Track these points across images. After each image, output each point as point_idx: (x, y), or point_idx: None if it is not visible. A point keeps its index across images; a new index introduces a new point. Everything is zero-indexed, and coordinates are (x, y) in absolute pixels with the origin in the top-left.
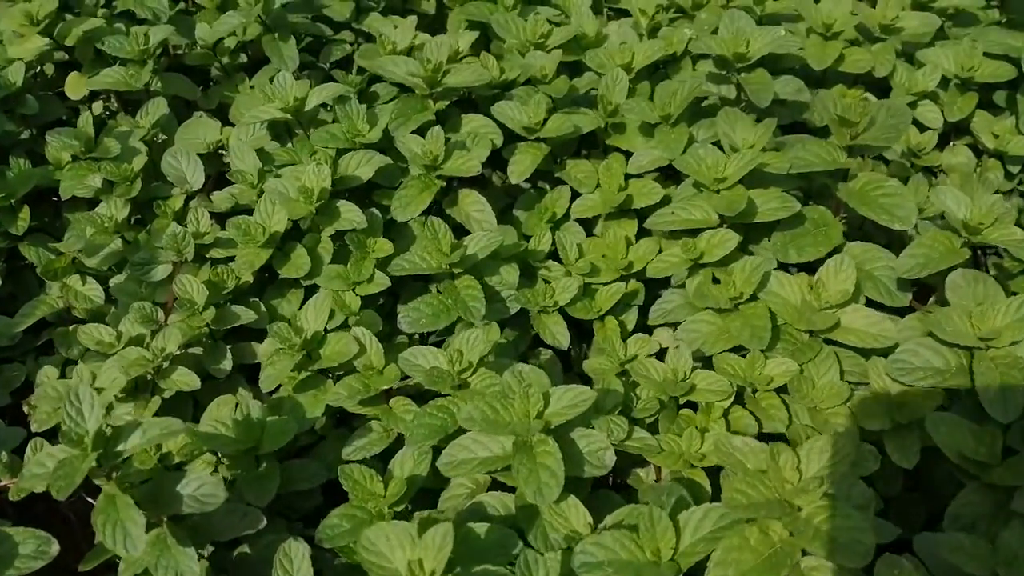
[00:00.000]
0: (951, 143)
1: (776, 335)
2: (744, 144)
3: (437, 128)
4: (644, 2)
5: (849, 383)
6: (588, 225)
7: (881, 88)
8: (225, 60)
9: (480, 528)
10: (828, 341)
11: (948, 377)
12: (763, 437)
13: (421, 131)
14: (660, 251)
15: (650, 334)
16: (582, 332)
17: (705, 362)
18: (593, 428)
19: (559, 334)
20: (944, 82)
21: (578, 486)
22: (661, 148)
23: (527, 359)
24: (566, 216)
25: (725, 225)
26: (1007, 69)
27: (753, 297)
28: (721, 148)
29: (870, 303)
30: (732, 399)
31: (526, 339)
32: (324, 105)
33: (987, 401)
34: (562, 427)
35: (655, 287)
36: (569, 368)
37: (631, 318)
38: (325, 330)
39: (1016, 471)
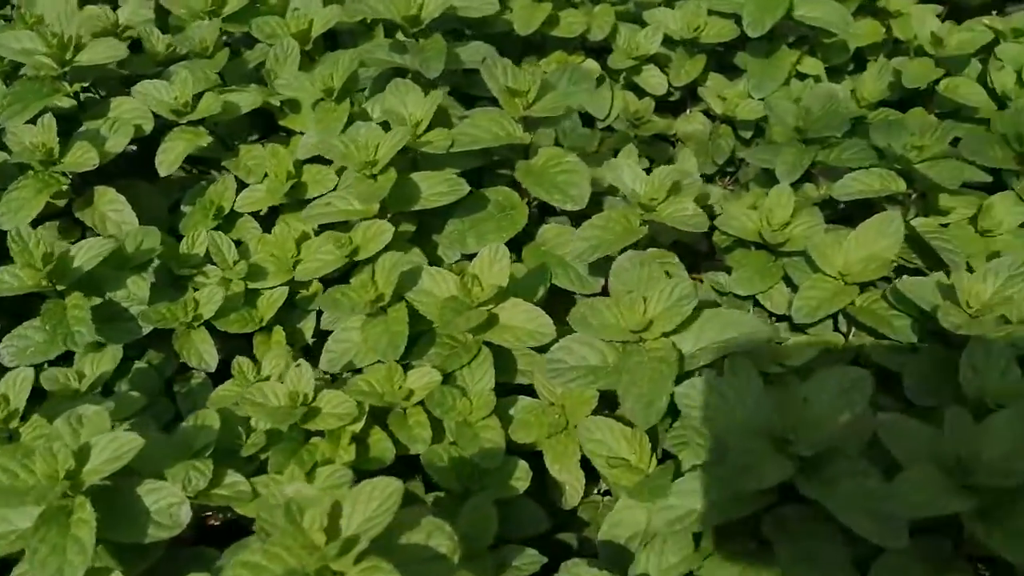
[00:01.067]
0: (687, 110)
1: (432, 339)
2: (411, 119)
3: (49, 116)
4: None
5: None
6: (271, 220)
7: (609, 52)
8: None
9: None
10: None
11: (602, 376)
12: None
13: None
14: None
15: None
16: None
17: None
18: (167, 479)
19: (206, 353)
20: (675, 44)
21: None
22: (319, 128)
23: (173, 384)
24: (238, 212)
25: (390, 214)
26: (731, 28)
27: (399, 298)
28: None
29: (559, 291)
30: (362, 421)
31: (173, 361)
32: None
33: (626, 404)
34: (125, 482)
35: None
36: None
37: (310, 325)
38: None
39: (656, 485)
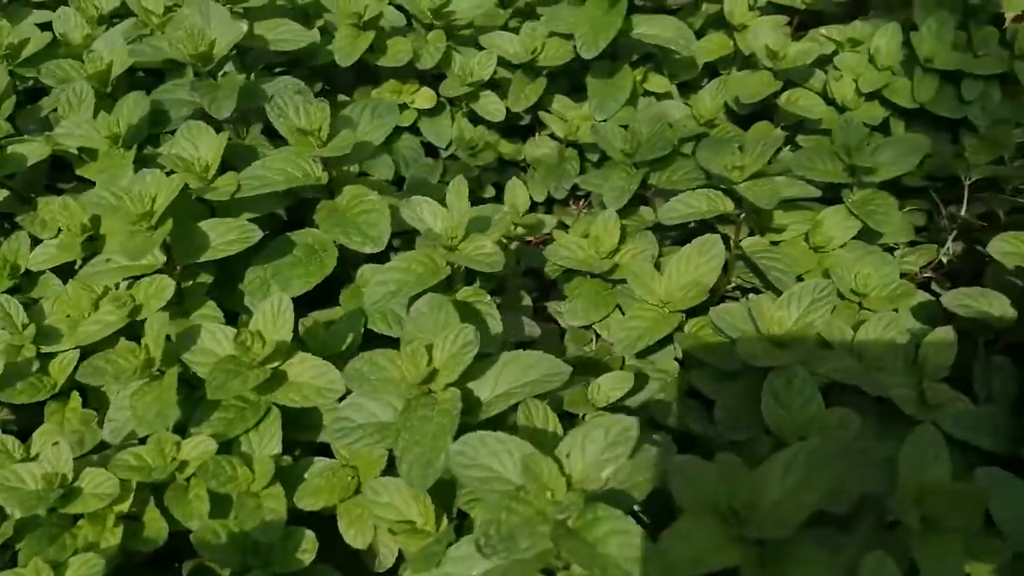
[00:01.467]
0: (536, 134)
1: (217, 401)
2: (199, 164)
3: None
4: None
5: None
6: None
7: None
8: None
9: None
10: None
11: (390, 435)
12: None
13: None
14: None
15: None
16: None
17: None
18: None
19: None
20: (515, 68)
21: None
22: (103, 177)
23: None
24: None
25: (179, 267)
26: (568, 50)
27: (175, 360)
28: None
29: (375, 336)
30: (129, 500)
31: None
32: None
33: (402, 466)
34: None
35: None
36: None
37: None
38: None
39: (431, 552)
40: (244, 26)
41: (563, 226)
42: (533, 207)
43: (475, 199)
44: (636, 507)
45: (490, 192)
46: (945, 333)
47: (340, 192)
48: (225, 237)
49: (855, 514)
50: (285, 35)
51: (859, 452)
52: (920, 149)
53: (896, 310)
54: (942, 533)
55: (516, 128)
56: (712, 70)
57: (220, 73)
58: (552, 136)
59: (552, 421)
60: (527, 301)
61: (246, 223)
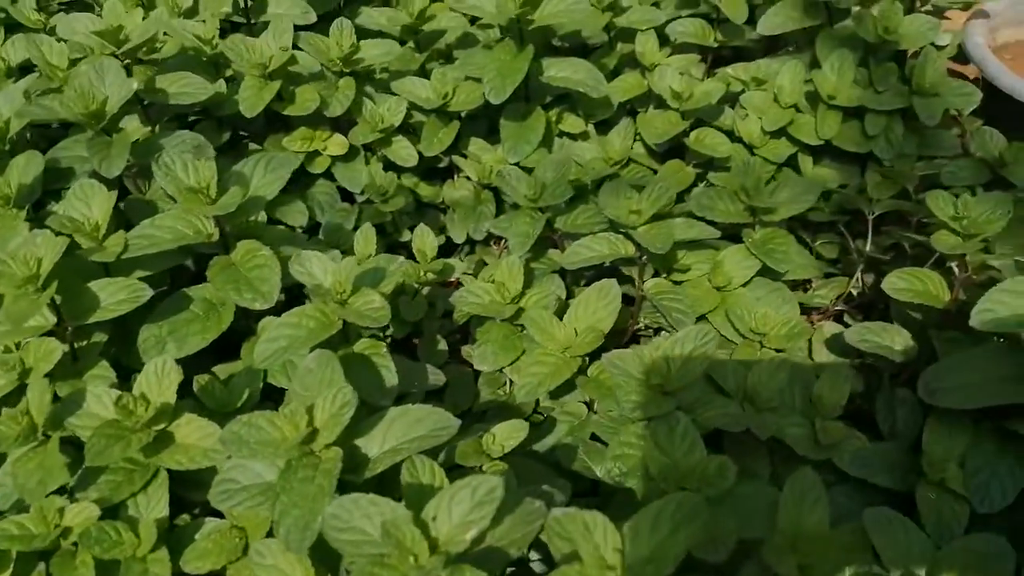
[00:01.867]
0: (454, 176)
1: (102, 466)
2: (89, 224)
3: None
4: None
5: None
6: None
7: None
8: None
9: None
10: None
11: (272, 496)
12: None
13: None
14: None
15: None
16: None
17: None
18: None
19: None
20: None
21: None
22: None
23: None
24: None
25: (70, 330)
26: (479, 94)
27: (60, 424)
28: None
29: (276, 389)
30: (8, 570)
31: None
32: None
33: (280, 529)
34: None
35: None
36: None
37: None
38: None
39: None
40: (135, 84)
41: (483, 264)
42: (455, 248)
43: (391, 243)
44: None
45: (407, 236)
46: (839, 370)
47: (235, 247)
48: (115, 297)
49: (735, 562)
50: (186, 88)
51: (741, 498)
52: (815, 189)
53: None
54: None
55: (435, 170)
56: (630, 108)
57: (116, 130)
58: (469, 178)
59: (439, 477)
60: (443, 345)
61: (136, 282)
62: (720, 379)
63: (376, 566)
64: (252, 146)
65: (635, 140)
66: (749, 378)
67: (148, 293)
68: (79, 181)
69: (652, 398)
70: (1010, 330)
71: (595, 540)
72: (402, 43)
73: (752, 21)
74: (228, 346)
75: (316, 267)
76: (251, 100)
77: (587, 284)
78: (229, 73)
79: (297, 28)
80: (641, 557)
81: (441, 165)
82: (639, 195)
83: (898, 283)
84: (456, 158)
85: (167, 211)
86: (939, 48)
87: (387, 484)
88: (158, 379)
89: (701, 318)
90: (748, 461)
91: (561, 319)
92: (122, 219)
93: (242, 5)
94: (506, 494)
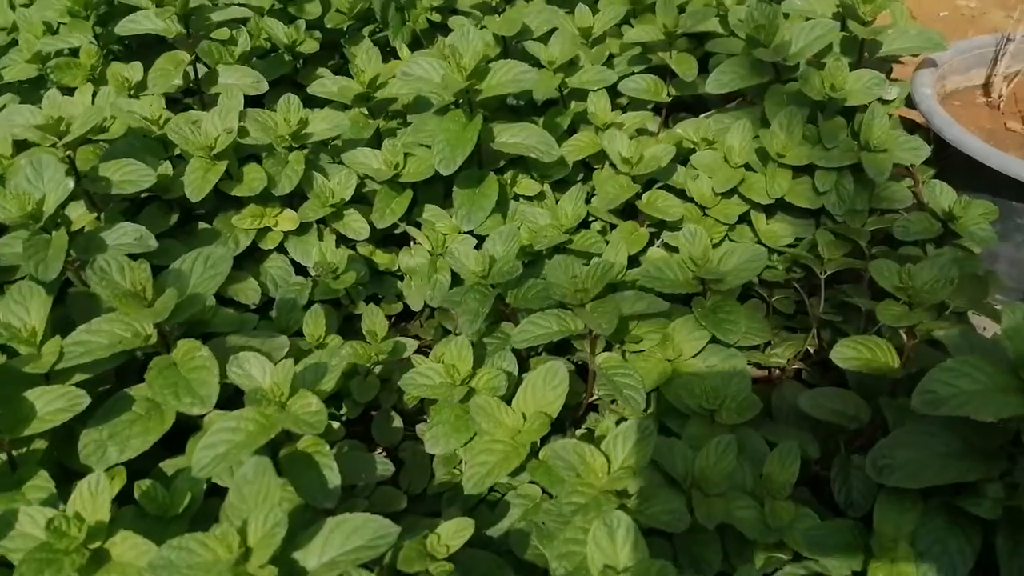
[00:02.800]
0: (410, 243)
1: None
2: (26, 330)
3: None
4: None
5: None
6: None
7: None
8: None
9: None
10: None
11: None
12: None
13: None
14: None
15: None
16: None
17: None
18: None
19: None
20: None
21: None
22: None
23: None
24: None
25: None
26: (429, 165)
27: None
28: None
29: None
30: None
31: None
32: None
33: None
34: None
35: None
36: None
37: None
38: None
39: None
40: (71, 183)
41: (443, 330)
42: (413, 315)
43: (347, 314)
44: None
45: (363, 307)
46: (789, 448)
47: (175, 345)
48: (52, 406)
49: None
50: (129, 176)
51: None
52: (761, 257)
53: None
54: None
55: (392, 236)
56: (587, 163)
57: (54, 227)
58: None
59: None
60: (398, 423)
61: (73, 390)
62: (668, 466)
63: None
64: (203, 225)
65: (592, 196)
66: (697, 462)
67: (85, 401)
68: (17, 284)
69: (593, 498)
70: (952, 412)
71: None
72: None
73: (705, 70)
74: (174, 436)
75: (255, 369)
76: (197, 184)
77: (544, 352)
78: (178, 151)
79: (249, 98)
80: None
81: (398, 231)
82: (584, 272)
83: (847, 352)
84: (410, 228)
85: (103, 317)
86: (887, 102)
87: None
88: (92, 496)
89: (651, 392)
90: (698, 549)
91: (512, 399)
92: (61, 316)
93: (192, 76)
94: None
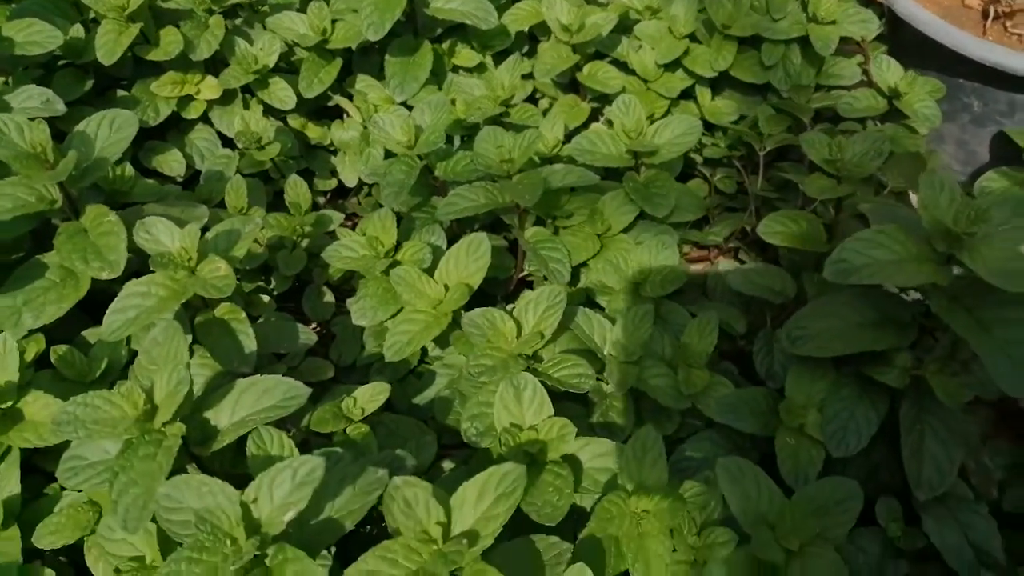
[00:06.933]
0: (344, 115)
1: None
2: None
3: None
4: None
5: None
6: None
7: None
8: None
9: None
10: None
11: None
12: None
13: None
14: None
15: None
16: None
17: None
18: None
19: None
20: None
21: None
22: None
23: None
24: None
25: None
26: (357, 31)
27: None
28: None
29: None
30: None
31: None
32: None
33: (119, 508)
34: None
35: None
36: None
37: None
38: None
39: None
40: None
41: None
42: (347, 192)
43: (277, 189)
44: None
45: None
46: (707, 319)
47: (84, 210)
48: None
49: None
50: (34, 37)
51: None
52: (696, 130)
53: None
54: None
55: (325, 109)
56: (532, 36)
57: None
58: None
59: (287, 447)
60: (329, 297)
61: None
62: (586, 335)
63: (194, 550)
64: (121, 93)
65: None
66: (613, 332)
67: None
68: None
69: (502, 360)
70: (863, 281)
71: (417, 515)
72: None
73: None
74: (99, 306)
75: (163, 234)
76: (109, 46)
77: (477, 230)
78: (93, 15)
79: None
80: (464, 529)
81: (331, 104)
82: (512, 142)
83: (774, 227)
84: (340, 99)
85: (6, 180)
86: None
87: (235, 455)
88: (1, 357)
89: (581, 265)
90: (613, 415)
91: (434, 273)
92: None
93: None
94: (350, 464)
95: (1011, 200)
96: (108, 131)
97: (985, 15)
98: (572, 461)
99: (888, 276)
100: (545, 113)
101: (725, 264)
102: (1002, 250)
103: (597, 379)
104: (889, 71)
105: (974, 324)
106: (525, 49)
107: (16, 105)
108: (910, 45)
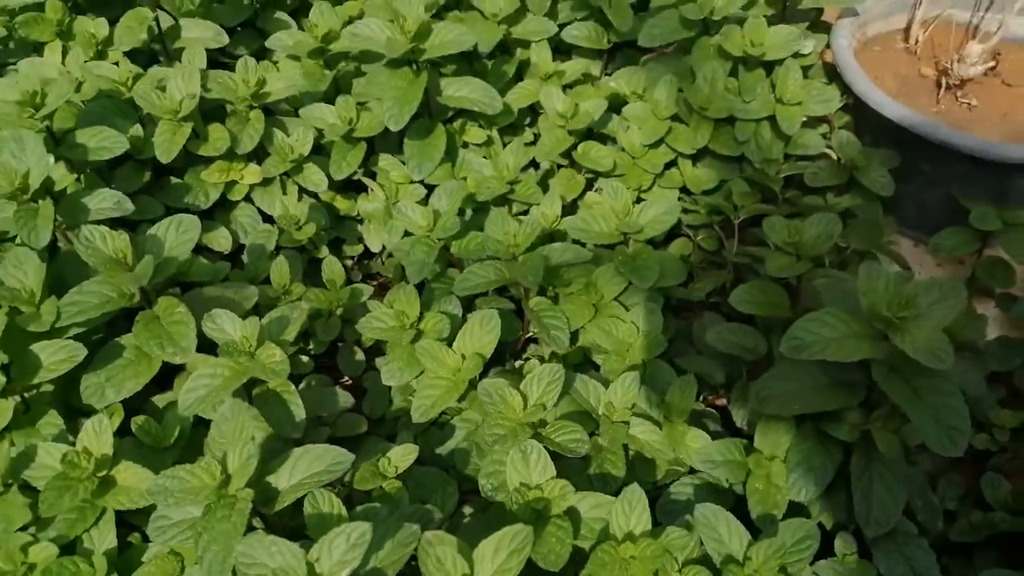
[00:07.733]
0: (369, 189)
1: None
2: (26, 292)
3: None
4: None
5: None
6: None
7: None
8: None
9: None
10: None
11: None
12: None
13: None
14: None
15: None
16: None
17: None
18: None
19: None
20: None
21: None
22: None
23: None
24: None
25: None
26: (380, 121)
27: (16, 476)
28: None
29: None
30: None
31: None
32: None
33: (203, 564)
34: None
35: None
36: None
37: None
38: None
39: None
40: (51, 159)
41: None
42: (372, 254)
43: (312, 259)
44: None
45: (326, 252)
46: (687, 381)
47: (156, 301)
48: (55, 357)
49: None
50: (104, 143)
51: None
52: (675, 209)
53: None
54: None
55: (352, 183)
56: (534, 109)
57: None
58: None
59: (336, 506)
60: (360, 356)
61: (72, 344)
62: (583, 399)
63: None
64: (175, 180)
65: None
66: (606, 395)
67: (83, 353)
68: (12, 249)
69: (511, 429)
70: (814, 356)
71: (447, 568)
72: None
73: (645, 7)
74: (161, 373)
75: (227, 324)
76: (165, 145)
77: (490, 293)
78: (143, 113)
79: (211, 51)
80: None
81: (356, 178)
82: (517, 229)
83: (743, 296)
84: (366, 179)
85: (92, 280)
86: (804, 55)
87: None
88: (96, 434)
89: (578, 330)
90: (607, 466)
91: (453, 341)
92: (54, 273)
93: (156, 31)
94: (388, 520)
95: (938, 285)
96: (175, 233)
97: (939, 85)
98: (572, 512)
99: (834, 352)
100: (545, 176)
101: (709, 317)
102: (928, 330)
103: (593, 435)
104: (847, 145)
105: (909, 392)
106: (528, 120)
107: (92, 207)
108: (870, 118)
